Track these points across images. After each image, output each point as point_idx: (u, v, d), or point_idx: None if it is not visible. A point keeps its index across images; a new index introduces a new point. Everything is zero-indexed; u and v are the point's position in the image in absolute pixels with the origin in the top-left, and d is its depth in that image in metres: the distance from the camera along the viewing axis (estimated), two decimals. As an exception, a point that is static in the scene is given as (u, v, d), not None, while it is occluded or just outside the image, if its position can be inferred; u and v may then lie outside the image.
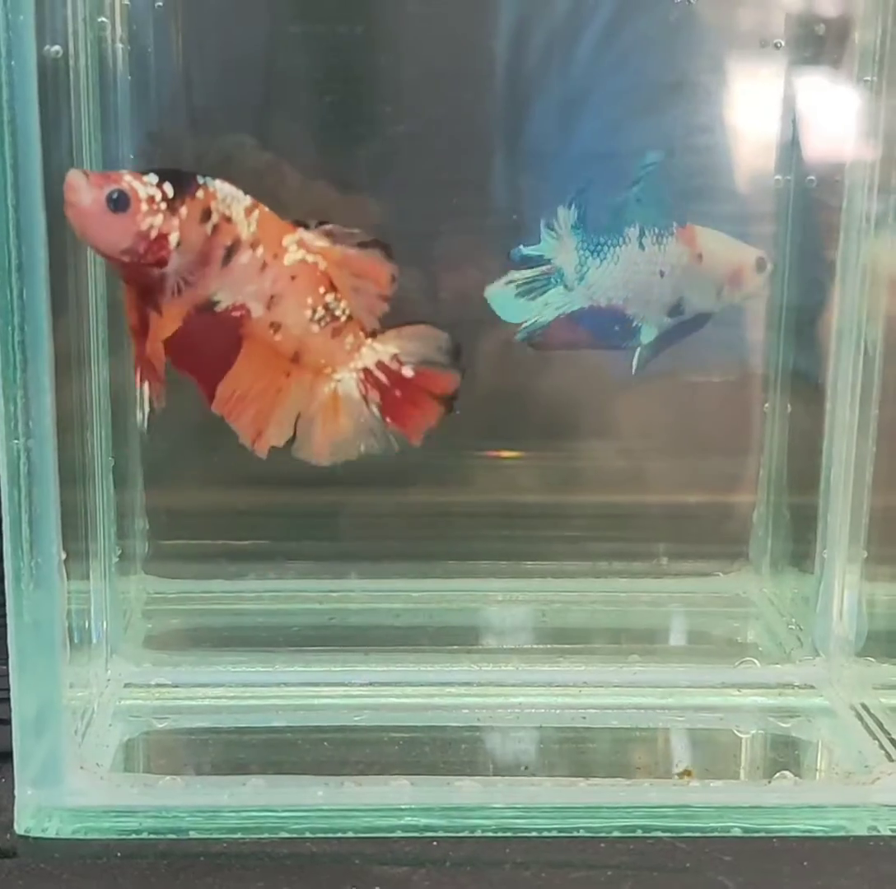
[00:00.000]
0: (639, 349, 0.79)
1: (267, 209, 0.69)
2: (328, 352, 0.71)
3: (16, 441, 0.65)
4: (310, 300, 0.70)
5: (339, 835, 0.68)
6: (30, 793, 0.68)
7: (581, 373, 0.93)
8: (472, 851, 0.67)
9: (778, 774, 0.72)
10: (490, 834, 0.68)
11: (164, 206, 0.66)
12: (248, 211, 0.68)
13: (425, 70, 0.87)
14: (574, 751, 0.77)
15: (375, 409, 0.72)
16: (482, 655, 0.85)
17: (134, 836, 0.68)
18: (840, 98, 0.83)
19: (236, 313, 0.69)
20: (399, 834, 0.68)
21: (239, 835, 0.68)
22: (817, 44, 0.83)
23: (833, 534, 0.84)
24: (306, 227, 0.70)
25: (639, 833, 0.68)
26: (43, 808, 0.68)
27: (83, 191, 0.65)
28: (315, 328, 0.70)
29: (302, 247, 0.69)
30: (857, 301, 0.81)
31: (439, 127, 0.85)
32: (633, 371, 0.79)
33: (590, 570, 0.95)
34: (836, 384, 0.83)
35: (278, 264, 0.69)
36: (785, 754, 0.78)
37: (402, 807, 0.69)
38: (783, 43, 0.84)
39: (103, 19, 0.78)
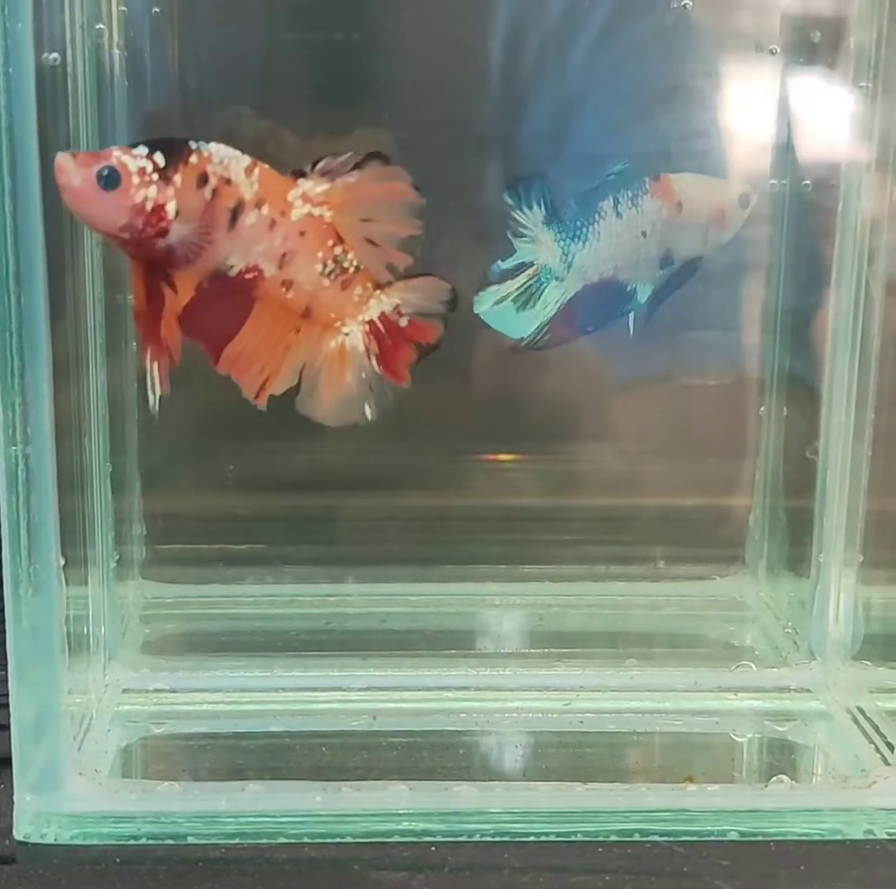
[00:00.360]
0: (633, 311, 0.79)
1: (267, 166, 0.68)
2: (338, 304, 0.71)
3: (14, 448, 0.65)
4: (320, 254, 0.69)
5: (338, 840, 0.68)
6: (28, 799, 0.68)
7: (577, 376, 0.93)
8: (470, 856, 0.67)
9: (774, 778, 0.72)
10: (488, 839, 0.68)
11: (156, 176, 0.65)
12: (249, 170, 0.68)
13: (420, 77, 0.87)
14: (571, 755, 0.77)
15: (375, 362, 0.72)
16: (480, 660, 0.85)
17: (132, 841, 0.68)
18: (835, 103, 0.83)
19: (249, 275, 0.68)
20: (397, 839, 0.68)
21: (237, 840, 0.68)
22: (812, 50, 0.83)
23: (829, 538, 0.84)
24: (304, 174, 0.69)
25: (636, 837, 0.68)
26: (42, 814, 0.68)
27: (72, 172, 0.64)
28: (326, 282, 0.70)
29: (307, 201, 0.69)
30: (853, 304, 0.81)
31: (433, 133, 0.86)
32: (631, 332, 0.79)
33: (587, 574, 0.95)
34: (831, 388, 0.84)
35: (286, 221, 0.68)
36: (781, 758, 0.78)
37: (400, 812, 0.69)
38: (778, 49, 0.84)
39: (101, 26, 0.78)
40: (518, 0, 0.87)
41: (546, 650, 0.88)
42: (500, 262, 0.76)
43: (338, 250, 0.70)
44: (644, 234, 0.77)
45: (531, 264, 0.75)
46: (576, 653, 0.86)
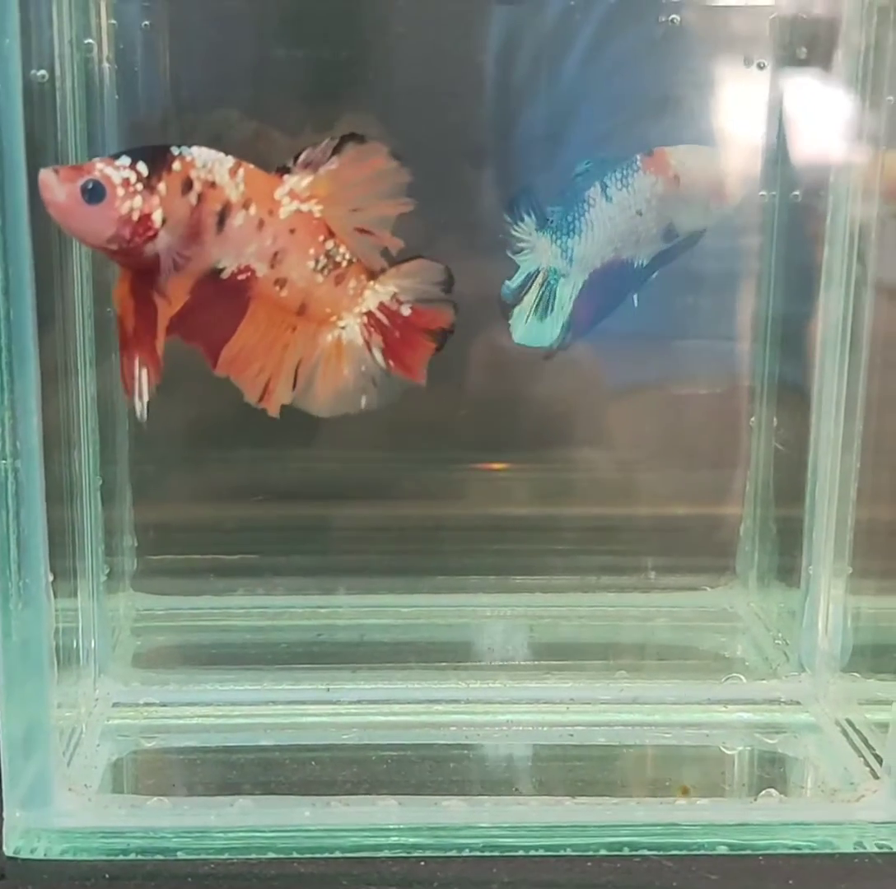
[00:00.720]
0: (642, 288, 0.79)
1: (252, 166, 0.68)
2: (333, 299, 0.70)
3: (3, 461, 0.65)
4: (311, 250, 0.69)
5: (327, 855, 0.68)
6: (18, 814, 0.68)
7: (569, 386, 0.93)
8: (459, 871, 0.67)
9: (764, 792, 0.72)
10: (477, 853, 0.68)
11: (140, 186, 0.65)
12: (233, 171, 0.68)
13: (411, 88, 0.87)
14: (561, 769, 0.77)
15: (377, 354, 0.72)
16: (470, 672, 0.85)
17: (122, 857, 0.68)
18: (824, 114, 0.83)
19: (242, 276, 0.68)
20: (386, 854, 0.68)
21: (227, 855, 0.68)
22: (800, 63, 0.83)
23: (818, 548, 0.84)
24: (288, 169, 0.69)
25: (626, 851, 0.68)
26: (31, 830, 0.68)
27: (56, 188, 0.64)
28: (319, 278, 0.70)
29: (294, 198, 0.69)
30: (842, 314, 0.81)
31: (425, 146, 0.85)
32: (635, 304, 0.79)
33: (578, 585, 0.95)
34: (821, 397, 0.84)
35: (275, 220, 0.68)
36: (771, 771, 0.78)
37: (390, 826, 0.69)
38: (766, 63, 0.84)
39: (90, 40, 0.78)
40: (508, 15, 0.87)
41: (537, 662, 0.88)
42: (507, 282, 0.76)
43: (329, 245, 0.70)
44: (640, 212, 0.77)
45: (537, 272, 0.76)
46: (566, 665, 0.86)
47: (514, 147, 0.89)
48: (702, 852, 0.69)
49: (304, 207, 0.69)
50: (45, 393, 0.66)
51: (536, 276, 0.76)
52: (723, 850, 0.69)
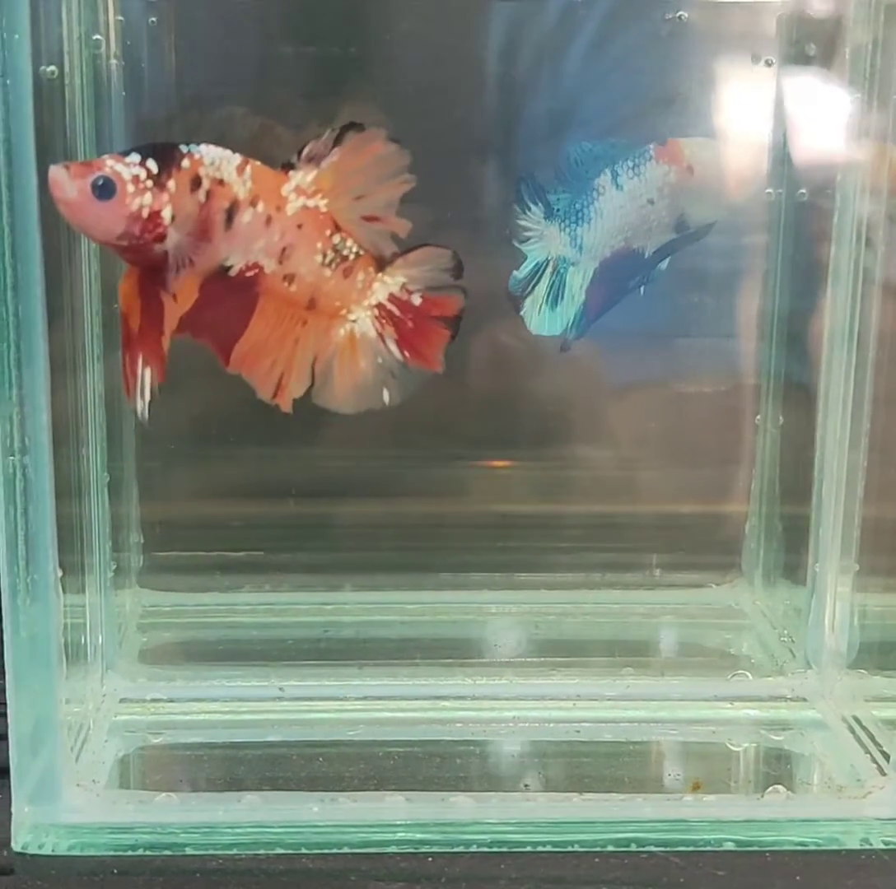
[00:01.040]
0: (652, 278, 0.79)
1: (259, 163, 0.68)
2: (342, 293, 0.70)
3: (12, 458, 0.65)
4: (319, 245, 0.69)
5: (335, 850, 0.68)
6: (26, 809, 0.69)
7: (574, 383, 0.93)
8: (467, 867, 0.67)
9: (771, 788, 0.72)
10: (485, 849, 0.68)
11: (150, 183, 0.65)
12: (240, 169, 0.68)
13: (417, 86, 0.87)
14: (568, 765, 0.77)
15: (392, 346, 0.72)
16: (476, 669, 0.85)
17: (130, 852, 0.68)
18: (831, 112, 0.83)
19: (250, 273, 0.68)
20: (394, 849, 0.68)
21: (235, 851, 0.68)
22: (808, 60, 0.83)
23: (825, 546, 0.84)
24: (292, 165, 0.69)
25: (633, 847, 0.68)
26: (39, 825, 0.69)
27: (67, 184, 0.64)
28: (327, 272, 0.70)
29: (301, 194, 0.69)
30: (849, 312, 0.81)
31: (428, 142, 0.85)
32: (642, 291, 0.79)
33: (583, 582, 0.95)
34: (827, 396, 0.84)
35: (282, 216, 0.68)
36: (777, 768, 0.78)
37: (397, 822, 0.69)
38: (774, 60, 0.84)
39: (98, 37, 0.78)
40: (515, 11, 0.87)
41: (542, 659, 0.88)
42: (515, 273, 0.76)
43: (336, 239, 0.70)
44: (651, 201, 0.76)
45: (546, 262, 0.76)
46: (572, 662, 0.86)
47: (520, 143, 0.89)
48: (709, 848, 0.69)
49: (311, 203, 0.69)
50: (53, 389, 0.66)
51: (546, 266, 0.76)
52: (730, 846, 0.69)
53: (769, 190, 0.88)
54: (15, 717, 0.68)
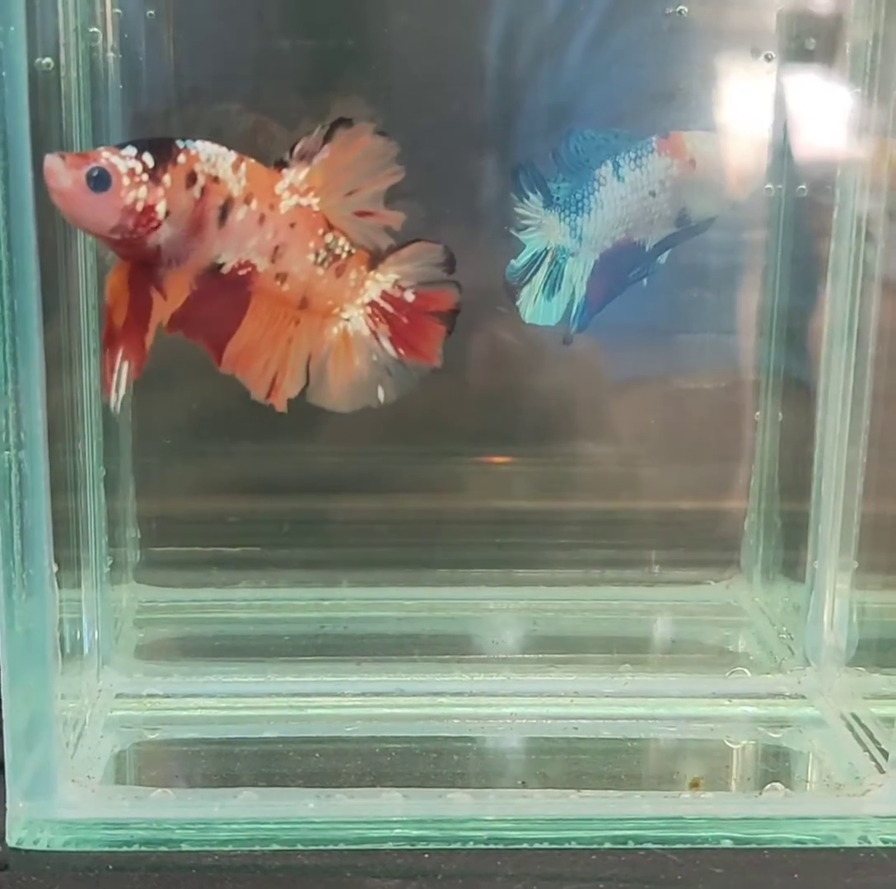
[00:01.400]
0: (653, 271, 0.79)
1: (253, 161, 0.68)
2: (335, 292, 0.70)
3: (7, 452, 0.65)
4: (311, 244, 0.69)
5: (331, 847, 0.68)
6: (21, 805, 0.68)
7: (573, 379, 0.93)
8: (463, 863, 0.67)
9: (769, 786, 0.72)
10: (481, 846, 0.68)
11: (146, 177, 0.65)
12: (236, 166, 0.67)
13: (414, 78, 0.87)
14: (566, 762, 0.77)
15: (387, 344, 0.72)
16: (474, 665, 0.85)
17: (125, 848, 0.68)
18: (831, 108, 0.83)
19: (243, 271, 0.68)
20: (390, 846, 0.68)
21: (230, 847, 0.68)
22: (808, 55, 0.83)
23: (824, 543, 0.84)
24: (285, 163, 0.69)
25: (630, 845, 0.68)
26: (34, 821, 0.68)
27: (62, 174, 0.63)
28: (320, 271, 0.70)
29: (294, 192, 0.69)
30: (849, 309, 0.81)
31: (428, 137, 0.85)
32: (645, 282, 0.79)
33: (581, 579, 0.95)
34: (827, 392, 0.83)
35: (276, 214, 0.68)
36: (776, 765, 0.78)
37: (394, 819, 0.69)
38: (774, 55, 0.84)
39: (95, 29, 0.78)
40: (512, 6, 0.87)
41: (540, 656, 0.87)
42: (513, 262, 0.76)
43: (329, 238, 0.70)
44: (652, 193, 0.76)
45: (544, 251, 0.75)
46: (570, 658, 0.86)
47: (519, 137, 0.89)
48: (707, 846, 0.68)
49: (304, 201, 0.69)
50: (49, 384, 0.66)
51: (544, 256, 0.75)
52: (728, 843, 0.69)
53: (769, 185, 0.88)
54: (9, 712, 0.67)
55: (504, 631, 0.91)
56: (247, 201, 0.68)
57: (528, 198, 0.75)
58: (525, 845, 0.68)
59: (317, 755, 0.76)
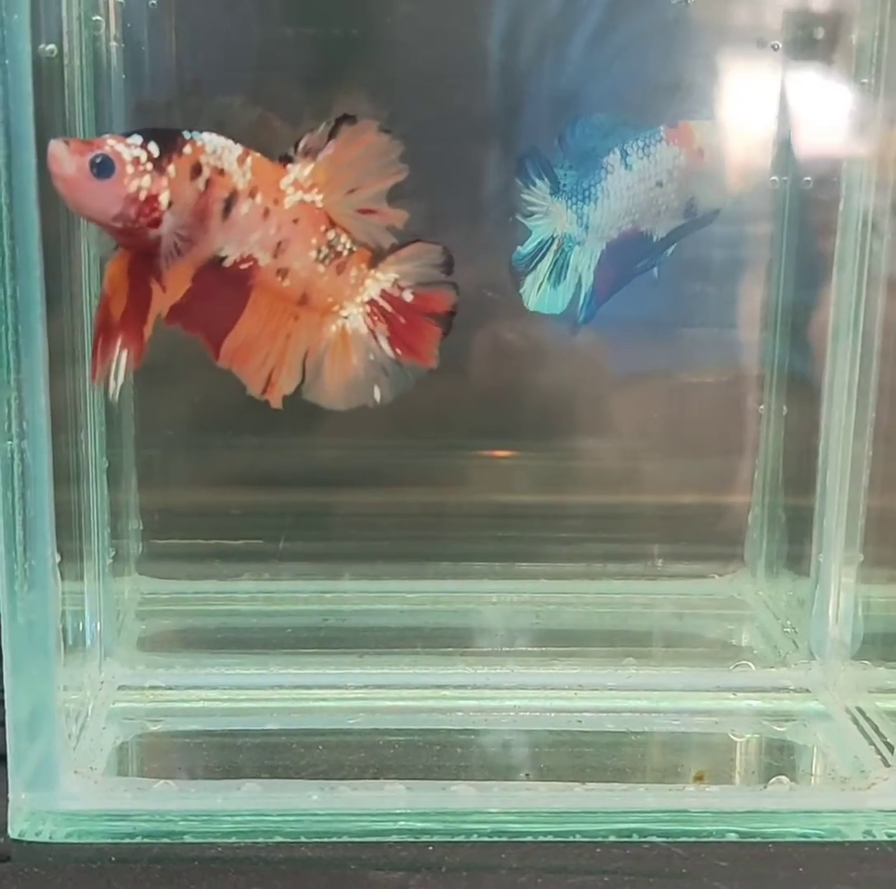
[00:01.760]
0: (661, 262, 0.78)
1: (259, 155, 0.68)
2: (335, 289, 0.70)
3: (10, 442, 0.65)
4: (314, 241, 0.69)
5: (335, 839, 0.68)
6: (23, 797, 0.68)
7: (577, 372, 0.93)
8: (467, 856, 0.67)
9: (774, 779, 0.72)
10: (486, 839, 0.68)
11: (150, 166, 0.65)
12: (241, 159, 0.67)
13: (418, 69, 0.87)
14: (569, 754, 0.77)
15: (384, 343, 0.71)
16: (477, 658, 0.84)
17: (128, 840, 0.67)
18: (837, 99, 0.83)
19: (244, 265, 0.68)
20: (394, 838, 0.68)
21: (234, 839, 0.67)
22: (814, 46, 0.83)
23: (829, 536, 0.83)
24: (290, 159, 0.69)
25: (635, 838, 0.68)
26: (37, 812, 0.68)
27: (65, 160, 0.63)
28: (321, 268, 0.70)
29: (298, 188, 0.68)
30: (854, 302, 0.81)
31: (432, 128, 0.85)
32: (656, 273, 0.79)
33: (584, 572, 0.95)
34: (832, 385, 0.83)
35: (280, 210, 0.68)
36: (780, 759, 0.77)
37: (398, 811, 0.69)
38: (780, 45, 0.83)
39: (98, 18, 0.78)
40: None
41: (543, 649, 0.87)
42: (519, 249, 0.75)
43: (331, 235, 0.70)
44: (660, 183, 0.76)
45: (551, 239, 0.75)
46: (574, 651, 0.85)
47: (523, 129, 0.89)
48: (711, 839, 0.68)
49: (308, 198, 0.69)
50: (52, 374, 0.65)
51: (551, 243, 0.75)
52: (732, 837, 0.68)
53: (774, 177, 0.87)
54: (12, 703, 0.67)
55: (507, 624, 0.91)
56: (251, 195, 0.67)
57: (534, 184, 0.74)
58: (529, 838, 0.68)
59: (320, 747, 0.76)
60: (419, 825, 0.68)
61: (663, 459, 0.96)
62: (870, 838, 0.69)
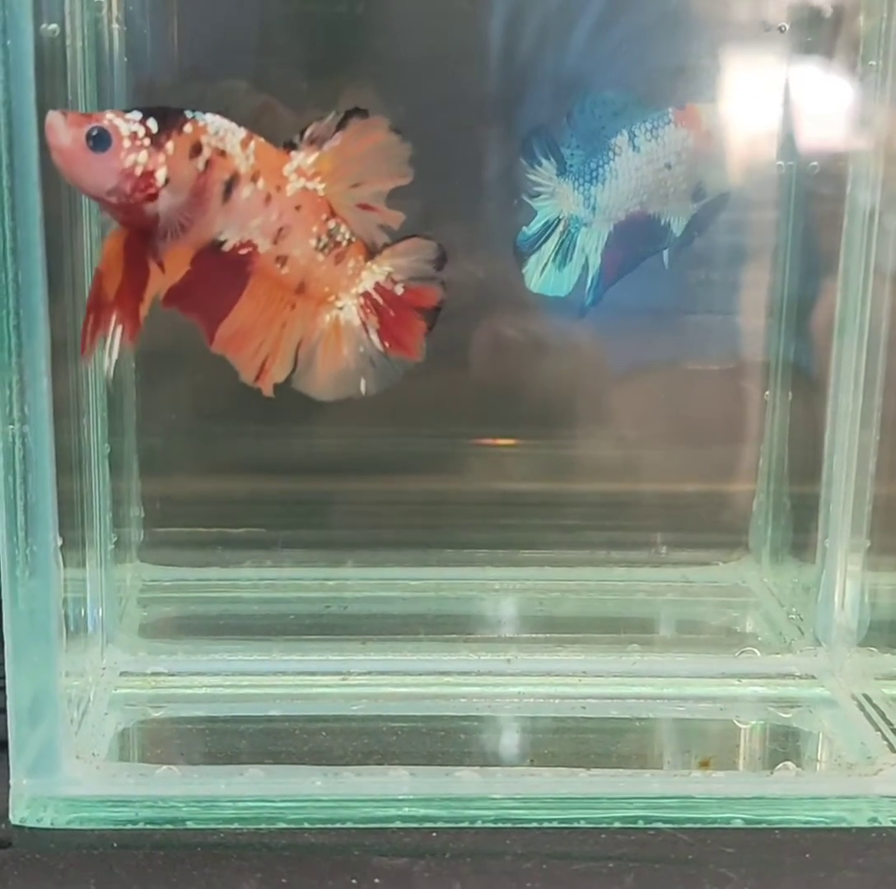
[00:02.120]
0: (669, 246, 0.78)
1: (263, 140, 0.68)
2: (332, 279, 0.70)
3: (11, 426, 0.64)
4: (315, 229, 0.69)
5: (338, 825, 0.67)
6: (25, 782, 0.68)
7: (583, 360, 0.93)
8: (472, 842, 0.66)
9: (780, 765, 0.72)
10: (490, 825, 0.68)
11: (147, 141, 0.64)
12: (244, 143, 0.67)
13: (421, 52, 0.86)
14: (574, 741, 0.77)
15: (374, 335, 0.71)
16: (480, 644, 0.84)
17: (130, 826, 0.67)
18: (844, 82, 0.82)
19: (244, 250, 0.68)
20: (398, 825, 0.67)
21: (236, 825, 0.67)
22: (822, 27, 0.82)
23: (835, 523, 0.83)
24: (295, 146, 0.68)
25: (640, 824, 0.68)
26: (38, 798, 0.68)
27: (62, 131, 0.63)
28: (320, 257, 0.69)
29: (301, 175, 0.68)
30: (860, 288, 0.80)
31: (434, 112, 0.85)
32: (667, 265, 0.78)
33: (588, 559, 0.94)
34: (839, 372, 0.83)
35: (282, 196, 0.68)
36: (786, 745, 0.77)
37: (401, 797, 0.69)
38: (787, 26, 0.83)
39: (100, 0, 0.77)
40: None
41: (547, 635, 0.87)
42: (524, 229, 0.75)
43: (331, 224, 0.69)
44: (668, 166, 0.75)
45: (557, 220, 0.74)
46: (578, 638, 0.85)
47: (526, 112, 0.88)
48: (717, 826, 0.68)
49: (310, 186, 0.68)
50: (54, 360, 0.65)
51: (557, 224, 0.74)
52: (738, 823, 0.68)
53: (780, 162, 0.87)
54: (14, 689, 0.67)
55: (510, 611, 0.91)
56: (254, 179, 0.67)
57: (540, 164, 0.74)
58: (534, 824, 0.68)
59: (323, 734, 0.75)
60: (423, 811, 0.68)
61: (667, 446, 0.96)
62: (876, 824, 0.69)
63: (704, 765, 0.73)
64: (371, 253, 0.71)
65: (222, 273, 0.68)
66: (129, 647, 0.82)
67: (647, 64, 0.86)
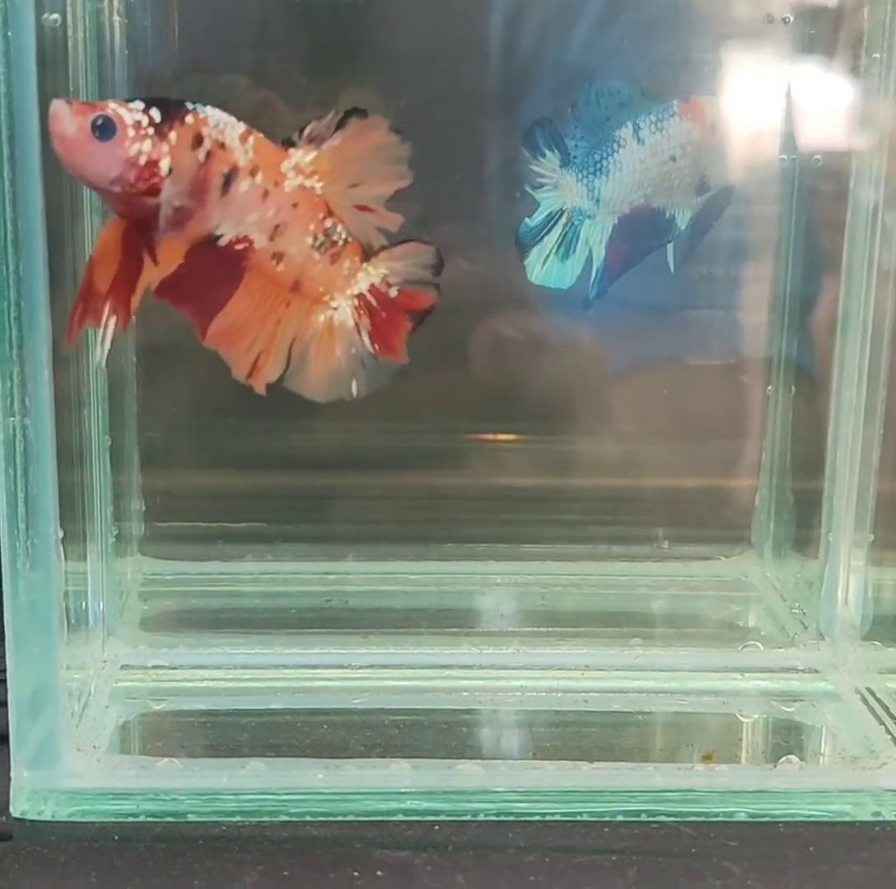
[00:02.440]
0: (673, 242, 0.78)
1: (262, 136, 0.67)
2: (327, 278, 0.70)
3: (12, 419, 0.64)
4: (311, 227, 0.69)
5: (340, 818, 0.67)
6: (26, 775, 0.68)
7: (586, 356, 0.92)
8: (474, 835, 0.66)
9: (784, 759, 0.71)
10: (492, 818, 0.67)
11: (151, 131, 0.64)
12: (244, 137, 0.67)
13: (423, 45, 0.86)
14: (576, 734, 0.76)
15: (365, 337, 0.71)
16: (482, 638, 0.84)
17: (131, 818, 0.67)
18: (847, 75, 0.82)
19: (240, 246, 0.67)
20: (400, 818, 0.67)
21: (238, 818, 0.67)
22: (826, 20, 0.82)
23: (838, 517, 0.83)
24: (293, 143, 0.68)
25: (643, 817, 0.68)
26: (39, 791, 0.67)
27: (66, 120, 0.62)
28: (316, 255, 0.69)
29: (299, 173, 0.68)
30: (863, 283, 0.80)
31: (435, 104, 0.84)
32: (672, 268, 0.78)
33: (590, 554, 0.94)
34: (842, 367, 0.82)
35: (279, 192, 0.68)
36: (789, 739, 0.77)
37: (404, 790, 0.68)
38: (791, 18, 0.83)
39: (101, -10, 0.77)
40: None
41: (550, 629, 0.87)
42: (527, 221, 0.74)
43: (328, 223, 0.69)
44: (673, 158, 0.75)
45: (560, 212, 0.74)
46: (581, 632, 0.85)
47: (527, 110, 0.88)
48: (720, 819, 0.68)
49: (308, 184, 0.68)
50: (55, 353, 0.65)
51: (560, 216, 0.74)
52: (742, 817, 0.68)
53: (783, 156, 0.87)
54: (15, 681, 0.67)
55: (512, 605, 0.91)
56: (252, 174, 0.67)
57: (543, 155, 0.73)
58: (536, 817, 0.67)
59: (325, 727, 0.75)
60: (425, 804, 0.68)
61: (669, 441, 0.96)
62: (879, 818, 0.69)
63: (707, 758, 0.72)
64: (367, 254, 0.71)
65: (217, 268, 0.68)
66: (130, 641, 0.82)
67: (651, 56, 0.85)
